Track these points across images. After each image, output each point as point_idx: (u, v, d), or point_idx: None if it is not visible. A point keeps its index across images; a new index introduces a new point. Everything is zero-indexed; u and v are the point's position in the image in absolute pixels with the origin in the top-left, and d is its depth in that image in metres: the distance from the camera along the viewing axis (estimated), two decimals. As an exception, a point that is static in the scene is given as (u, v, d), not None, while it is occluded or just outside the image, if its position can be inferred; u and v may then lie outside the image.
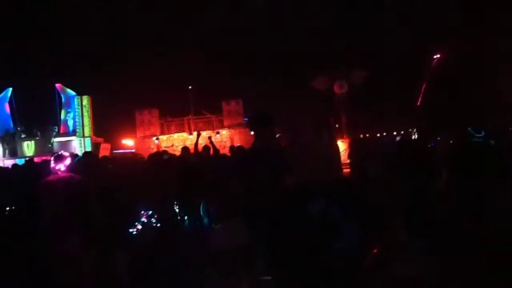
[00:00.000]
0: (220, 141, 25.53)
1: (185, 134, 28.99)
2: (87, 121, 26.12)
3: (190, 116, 29.26)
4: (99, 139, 27.42)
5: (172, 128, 29.91)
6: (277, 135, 4.53)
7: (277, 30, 34.38)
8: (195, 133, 28.46)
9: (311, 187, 2.86)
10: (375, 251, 2.58)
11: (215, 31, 35.34)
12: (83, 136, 25.86)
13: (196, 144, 9.29)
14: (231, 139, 27.39)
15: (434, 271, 2.52)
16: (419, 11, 35.40)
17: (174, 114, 29.89)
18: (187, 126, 29.32)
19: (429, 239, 2.66)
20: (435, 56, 30.30)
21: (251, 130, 5.15)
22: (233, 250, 5.23)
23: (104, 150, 25.70)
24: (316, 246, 2.72)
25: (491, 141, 8.85)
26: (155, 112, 29.90)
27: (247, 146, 10.47)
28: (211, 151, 9.29)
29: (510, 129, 17.78)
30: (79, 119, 26.03)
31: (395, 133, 28.52)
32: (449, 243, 2.72)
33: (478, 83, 31.48)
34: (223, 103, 29.29)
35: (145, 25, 35.95)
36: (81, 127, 25.96)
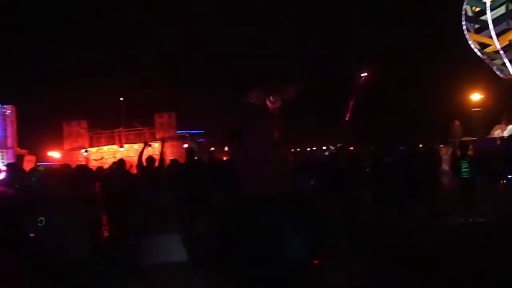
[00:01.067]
0: (152, 154, 25.09)
1: (115, 147, 28.30)
2: (10, 131, 24.93)
3: (121, 128, 28.63)
4: (23, 151, 26.19)
5: (102, 140, 29.10)
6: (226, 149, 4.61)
7: (213, 43, 34.58)
8: (126, 145, 27.95)
9: (261, 199, 2.90)
10: (316, 262, 2.67)
11: (149, 43, 34.98)
12: (6, 148, 24.63)
13: (140, 155, 9.07)
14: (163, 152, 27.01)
15: (371, 279, 2.67)
16: (348, 30, 36.90)
17: (105, 126, 29.13)
18: (117, 139, 28.65)
19: (365, 247, 2.82)
20: (362, 74, 31.62)
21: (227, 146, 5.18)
22: (158, 266, 5.19)
23: (29, 163, 24.53)
24: (264, 257, 2.75)
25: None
26: (84, 124, 28.98)
27: (181, 159, 10.38)
28: (157, 163, 9.10)
29: (433, 146, 18.95)
30: (1, 129, 24.79)
31: (324, 147, 29.34)
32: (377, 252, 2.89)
33: (402, 101, 33.22)
34: (156, 116, 28.93)
35: (75, 34, 34.93)
36: (3, 138, 24.73)
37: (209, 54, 34.61)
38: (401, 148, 10.72)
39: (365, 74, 31.12)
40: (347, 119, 29.87)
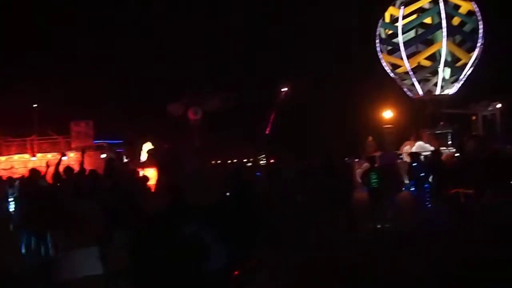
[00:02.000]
0: (67, 164, 24.06)
1: (27, 156, 26.80)
2: None
3: (33, 136, 27.20)
4: None
5: (13, 148, 27.44)
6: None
7: (132, 51, 33.96)
8: (38, 154, 26.57)
9: (184, 210, 2.91)
10: (236, 273, 2.72)
11: (65, 50, 33.72)
12: None
13: (57, 165, 8.65)
14: (80, 162, 26.00)
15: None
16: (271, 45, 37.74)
17: (16, 134, 27.52)
18: (29, 147, 27.16)
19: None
20: (283, 89, 32.41)
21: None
22: (79, 281, 5.03)
23: None
24: (186, 267, 2.75)
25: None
26: (-8, 131, 27.22)
27: (99, 170, 10.10)
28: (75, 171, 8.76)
29: (348, 160, 19.88)
30: None
31: (245, 160, 29.65)
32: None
33: (320, 117, 34.43)
34: (72, 124, 27.76)
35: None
36: None
37: (129, 62, 33.93)
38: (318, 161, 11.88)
39: (286, 88, 31.94)
40: (267, 132, 30.42)
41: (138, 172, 10.02)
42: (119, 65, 33.70)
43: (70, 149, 27.29)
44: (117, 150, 28.24)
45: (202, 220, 2.92)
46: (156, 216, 3.16)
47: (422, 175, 10.78)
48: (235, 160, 30.78)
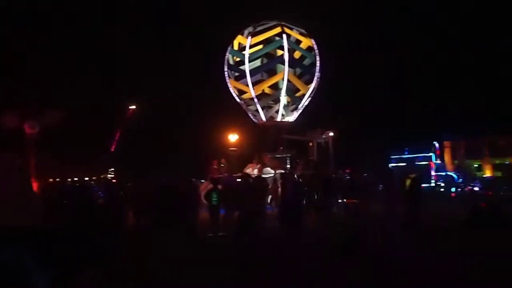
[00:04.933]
0: None
1: None
2: None
3: None
4: None
5: None
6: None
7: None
8: None
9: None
10: None
11: None
12: None
13: None
14: None
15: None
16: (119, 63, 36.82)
17: None
18: None
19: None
20: (131, 107, 31.76)
21: None
22: None
23: None
24: None
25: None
26: None
27: None
28: None
29: (195, 181, 20.45)
30: None
31: (94, 177, 28.26)
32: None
33: (167, 137, 34.35)
34: None
35: None
36: None
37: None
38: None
39: (134, 106, 31.34)
40: (112, 150, 29.45)
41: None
42: None
43: None
44: None
45: (21, 245, 2.58)
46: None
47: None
48: (75, 178, 29.20)
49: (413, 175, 12.66)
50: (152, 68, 37.45)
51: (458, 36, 40.32)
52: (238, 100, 29.36)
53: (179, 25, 39.54)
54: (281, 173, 20.13)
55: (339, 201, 17.05)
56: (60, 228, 4.62)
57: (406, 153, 31.15)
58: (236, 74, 29.39)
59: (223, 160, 25.40)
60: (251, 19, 29.74)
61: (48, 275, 2.59)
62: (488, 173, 34.34)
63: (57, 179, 27.54)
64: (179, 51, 35.83)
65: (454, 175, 30.68)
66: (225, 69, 29.35)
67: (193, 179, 20.55)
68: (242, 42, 29.12)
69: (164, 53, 37.89)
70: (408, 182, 12.26)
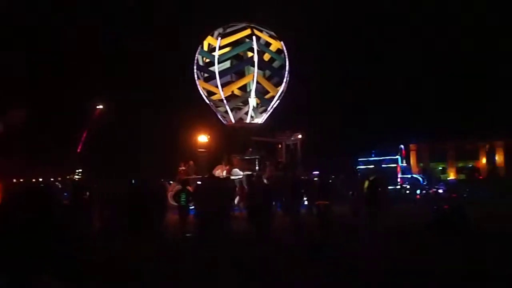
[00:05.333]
0: None
1: None
2: None
3: None
4: None
5: None
6: None
7: None
8: None
9: None
10: None
11: None
12: None
13: None
14: None
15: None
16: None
17: None
18: None
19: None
20: (98, 106, 31.31)
21: None
22: None
23: None
24: None
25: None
26: None
27: None
28: None
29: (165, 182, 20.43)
30: None
31: (59, 178, 27.72)
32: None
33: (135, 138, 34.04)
34: None
35: None
36: None
37: None
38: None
39: (101, 106, 30.90)
40: (78, 151, 28.98)
41: None
42: None
43: None
44: None
45: None
46: None
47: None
48: (40, 179, 28.58)
49: (372, 177, 12.63)
50: (120, 67, 37.03)
51: (428, 38, 41.10)
52: (207, 101, 29.27)
53: (152, 24, 39.14)
54: (247, 175, 20.26)
55: (307, 203, 17.25)
56: (14, 231, 4.50)
57: (373, 155, 31.58)
58: (206, 75, 29.30)
59: (191, 162, 25.33)
60: (220, 20, 29.75)
61: (1, 280, 2.51)
62: (452, 176, 35.29)
63: (21, 180, 26.93)
64: (150, 51, 35.46)
65: (420, 178, 31.30)
66: (195, 70, 29.22)
67: (162, 180, 20.55)
68: (212, 43, 29.05)
69: (134, 53, 37.47)
70: (366, 184, 12.28)
